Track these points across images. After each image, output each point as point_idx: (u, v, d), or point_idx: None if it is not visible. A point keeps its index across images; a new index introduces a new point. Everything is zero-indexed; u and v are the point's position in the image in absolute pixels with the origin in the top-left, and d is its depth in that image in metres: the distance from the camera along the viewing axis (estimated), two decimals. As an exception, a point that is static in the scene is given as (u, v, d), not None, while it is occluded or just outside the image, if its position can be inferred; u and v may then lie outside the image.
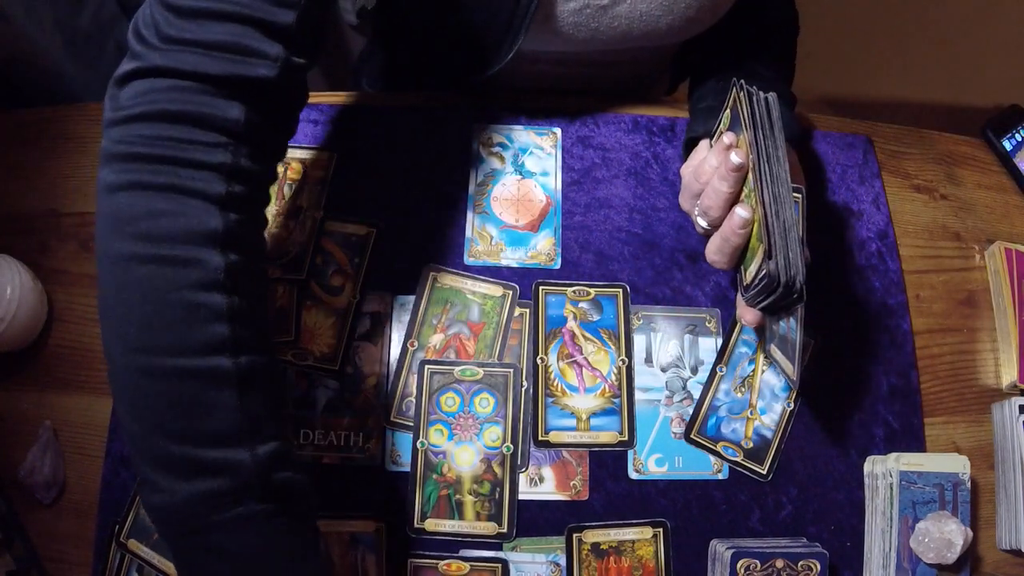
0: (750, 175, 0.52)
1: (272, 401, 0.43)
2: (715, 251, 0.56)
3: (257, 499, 0.41)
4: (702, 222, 0.57)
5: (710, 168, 0.55)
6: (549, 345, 0.65)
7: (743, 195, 0.54)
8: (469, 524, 0.60)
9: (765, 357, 0.66)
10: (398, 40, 0.85)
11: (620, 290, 0.67)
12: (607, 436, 0.63)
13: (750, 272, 0.55)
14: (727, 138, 0.53)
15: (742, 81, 0.53)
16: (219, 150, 0.42)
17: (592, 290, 0.67)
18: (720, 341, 0.66)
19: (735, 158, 0.52)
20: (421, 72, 0.82)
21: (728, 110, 0.57)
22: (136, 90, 0.42)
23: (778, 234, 0.50)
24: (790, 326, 0.55)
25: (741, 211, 0.52)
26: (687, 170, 0.61)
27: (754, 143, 0.51)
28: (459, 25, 0.68)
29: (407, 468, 0.62)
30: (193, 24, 0.42)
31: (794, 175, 0.58)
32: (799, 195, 0.54)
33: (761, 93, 0.52)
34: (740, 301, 0.58)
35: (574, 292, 0.67)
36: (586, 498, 0.62)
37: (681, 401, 0.65)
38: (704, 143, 0.63)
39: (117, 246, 0.41)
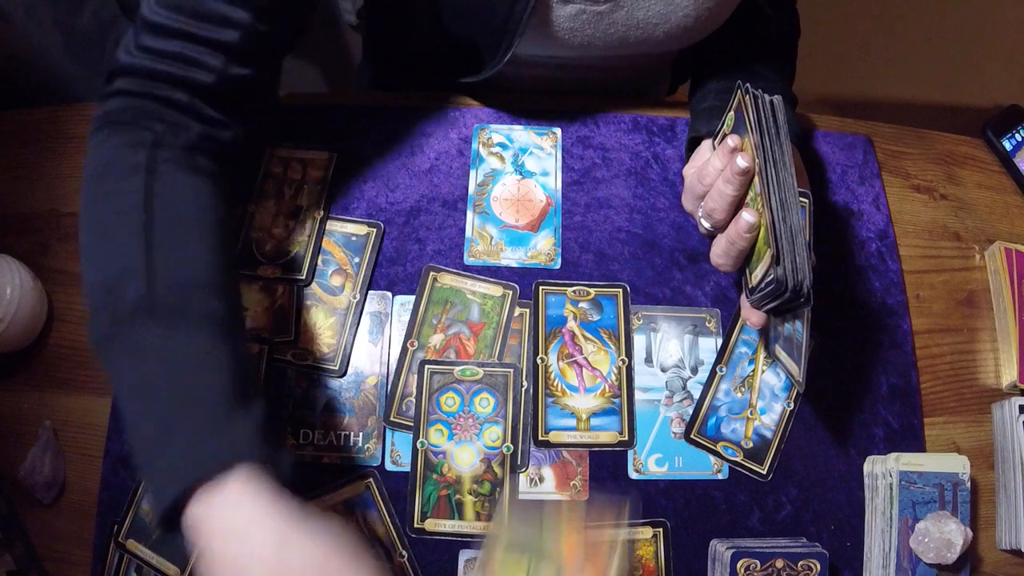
0: (756, 179, 0.52)
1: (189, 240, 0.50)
2: (720, 254, 0.56)
3: (159, 311, 0.46)
4: (706, 223, 0.57)
5: (714, 170, 0.55)
6: (549, 345, 0.65)
7: (748, 198, 0.54)
8: (469, 524, 0.60)
9: (768, 357, 0.66)
10: (393, 43, 0.85)
11: (620, 290, 0.67)
12: (607, 436, 0.63)
13: (756, 275, 0.55)
14: (731, 141, 0.53)
15: (747, 85, 0.53)
16: (166, 112, 0.53)
17: (592, 290, 0.67)
18: (720, 341, 0.66)
19: (741, 162, 0.51)
20: (417, 75, 0.82)
21: (732, 112, 0.56)
22: (116, 80, 0.54)
23: (785, 239, 0.50)
24: (795, 328, 0.55)
25: (747, 216, 0.52)
26: (690, 171, 0.61)
27: (760, 147, 0.51)
28: (454, 28, 0.68)
29: (407, 468, 0.62)
30: (156, 38, 0.52)
31: (799, 178, 0.58)
32: (806, 200, 0.54)
33: (767, 96, 0.52)
34: (745, 302, 0.58)
35: (574, 292, 0.67)
36: (586, 498, 0.62)
37: (681, 401, 0.65)
38: (707, 144, 0.63)
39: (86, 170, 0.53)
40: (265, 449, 0.44)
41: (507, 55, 0.63)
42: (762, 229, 0.52)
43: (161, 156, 0.51)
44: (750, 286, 0.56)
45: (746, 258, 0.56)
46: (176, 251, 0.48)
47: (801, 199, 0.52)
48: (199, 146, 0.54)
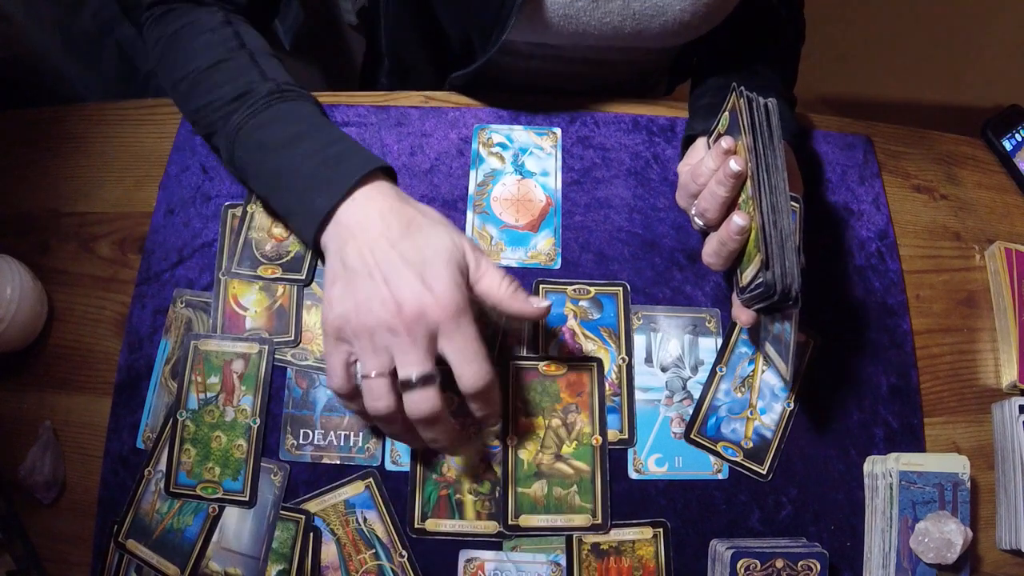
0: (748, 183, 0.52)
1: (273, 61, 0.64)
2: (711, 254, 0.56)
3: (274, 100, 0.60)
4: (699, 221, 0.58)
5: (708, 170, 0.55)
6: (549, 343, 0.65)
7: (740, 200, 0.54)
8: (470, 523, 0.60)
9: (759, 352, 0.66)
10: (390, 40, 0.85)
11: (620, 288, 0.67)
12: (608, 434, 0.63)
13: (746, 276, 0.55)
14: (725, 143, 0.54)
15: (742, 88, 0.53)
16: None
17: (592, 288, 0.67)
18: (720, 341, 0.66)
19: (734, 165, 0.52)
20: (412, 63, 0.82)
21: (727, 112, 0.57)
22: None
23: (775, 244, 0.50)
24: (784, 328, 0.55)
25: (738, 219, 0.52)
26: (684, 168, 0.61)
27: (753, 151, 0.51)
28: (448, 16, 0.68)
29: (407, 468, 0.62)
30: None
31: (792, 180, 0.58)
32: (796, 204, 0.54)
33: (761, 99, 0.52)
34: (735, 301, 0.59)
35: (574, 290, 0.67)
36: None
37: (681, 401, 0.65)
38: (701, 141, 0.63)
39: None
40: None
41: (500, 40, 0.63)
42: (753, 231, 0.53)
43: (229, 16, 0.65)
44: (740, 286, 0.56)
45: (737, 258, 0.56)
46: (275, 68, 0.63)
47: (792, 203, 0.52)
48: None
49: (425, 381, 0.50)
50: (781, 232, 0.50)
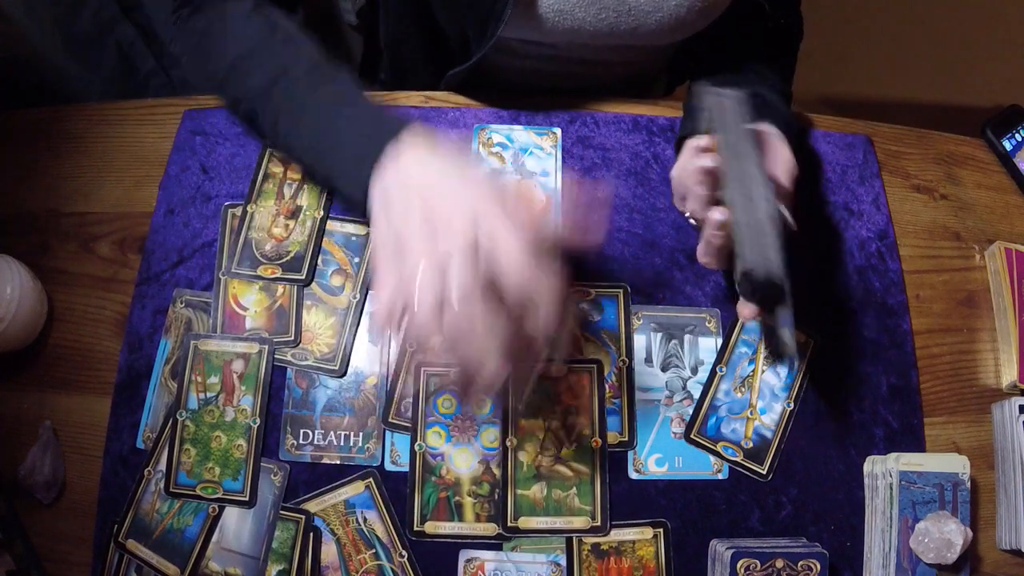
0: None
1: (307, 41, 0.62)
2: (702, 253, 0.56)
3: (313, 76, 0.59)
4: (692, 222, 0.58)
5: (692, 171, 0.56)
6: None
7: (725, 196, 0.55)
8: (469, 525, 0.60)
9: (767, 358, 0.66)
10: (390, 39, 0.85)
11: (620, 290, 0.67)
12: (607, 436, 0.63)
13: (737, 269, 0.55)
14: (699, 141, 0.54)
15: (709, 86, 0.54)
16: None
17: (592, 290, 0.67)
18: (720, 341, 0.66)
19: (705, 161, 0.52)
20: (411, 62, 0.82)
21: (705, 112, 0.57)
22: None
23: (749, 231, 0.50)
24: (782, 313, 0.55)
25: (714, 214, 0.53)
26: (675, 172, 0.61)
27: (723, 144, 0.51)
28: (445, 9, 0.68)
29: (407, 468, 0.62)
30: None
31: (784, 165, 0.58)
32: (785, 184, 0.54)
33: (728, 91, 0.53)
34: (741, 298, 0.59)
35: (574, 291, 0.67)
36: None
37: (681, 401, 0.65)
38: (690, 143, 0.63)
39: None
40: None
41: (497, 31, 0.62)
42: None
43: (258, 3, 0.64)
44: (736, 281, 0.57)
45: (733, 255, 0.56)
46: (310, 47, 0.61)
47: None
48: None
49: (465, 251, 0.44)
50: (759, 220, 0.50)
